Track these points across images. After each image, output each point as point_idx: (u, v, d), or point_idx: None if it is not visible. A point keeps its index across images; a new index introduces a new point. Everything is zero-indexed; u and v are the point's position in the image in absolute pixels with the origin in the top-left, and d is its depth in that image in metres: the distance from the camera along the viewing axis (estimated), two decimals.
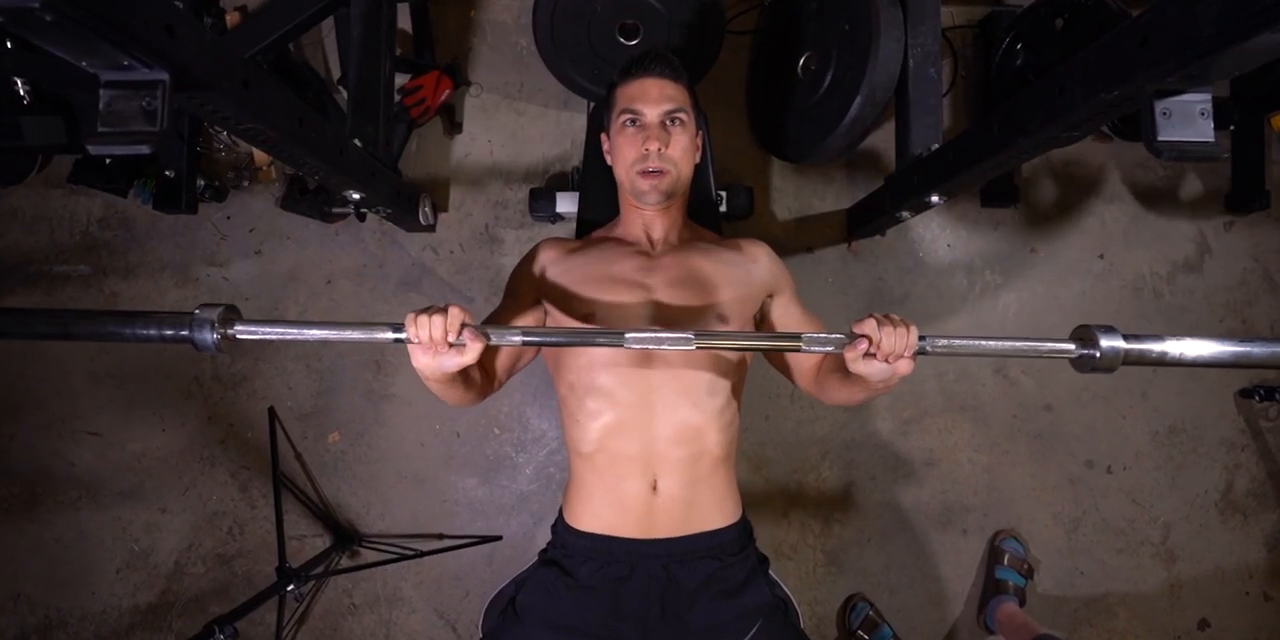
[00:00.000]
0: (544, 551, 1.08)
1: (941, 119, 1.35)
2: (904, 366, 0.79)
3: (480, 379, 0.98)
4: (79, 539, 1.68)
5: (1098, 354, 0.77)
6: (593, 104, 1.57)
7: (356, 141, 1.30)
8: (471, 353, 0.79)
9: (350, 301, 1.71)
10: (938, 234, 1.77)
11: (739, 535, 1.03)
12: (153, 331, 0.75)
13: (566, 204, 1.61)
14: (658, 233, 1.13)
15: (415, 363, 0.81)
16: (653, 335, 0.80)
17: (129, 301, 1.70)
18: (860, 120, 1.33)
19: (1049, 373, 1.73)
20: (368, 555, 1.66)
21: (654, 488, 0.98)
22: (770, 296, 1.11)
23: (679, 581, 0.98)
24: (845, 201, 1.76)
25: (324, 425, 1.70)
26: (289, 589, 1.42)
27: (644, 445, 0.98)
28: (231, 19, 1.63)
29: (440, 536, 1.68)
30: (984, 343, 0.78)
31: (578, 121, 1.74)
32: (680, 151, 1.07)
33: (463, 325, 0.78)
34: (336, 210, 1.68)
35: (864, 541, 1.70)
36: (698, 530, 1.00)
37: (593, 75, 1.56)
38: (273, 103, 0.90)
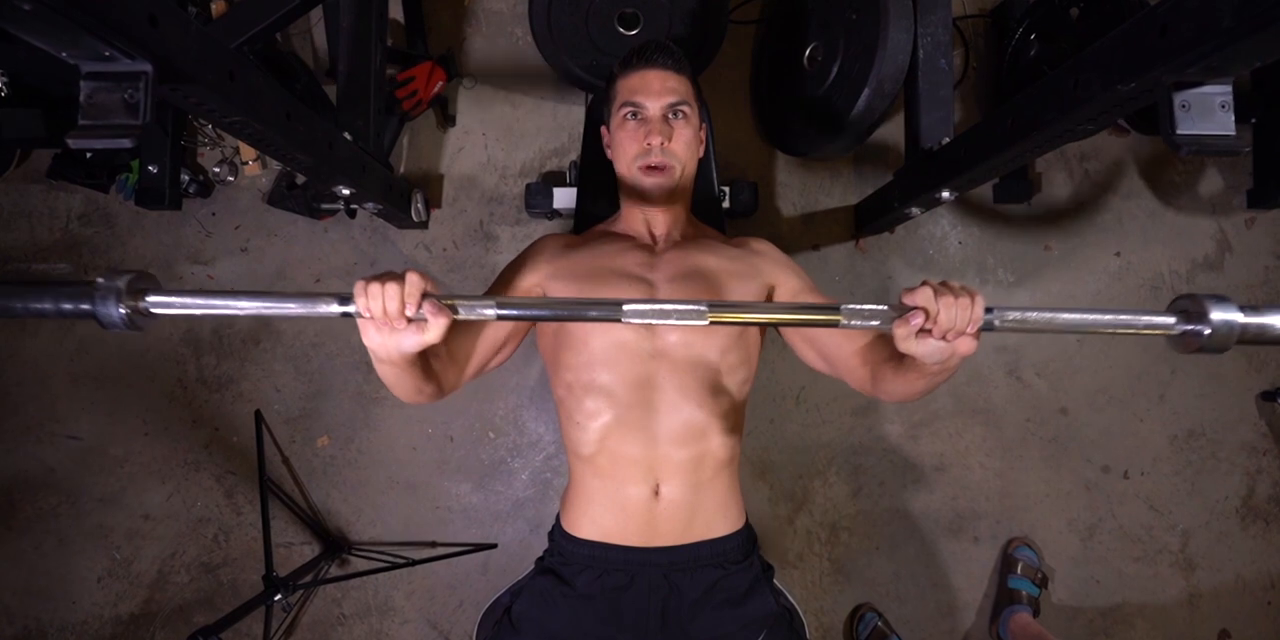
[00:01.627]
0: (541, 560, 1.08)
1: (952, 112, 1.35)
2: (965, 345, 0.70)
3: (444, 369, 0.90)
4: (58, 547, 1.68)
5: (1207, 330, 0.66)
6: (591, 96, 1.57)
7: (346, 135, 1.30)
8: (435, 329, 0.70)
9: None
10: (948, 231, 1.77)
11: (743, 543, 1.04)
12: (48, 305, 0.67)
13: (564, 200, 1.62)
14: (660, 229, 1.13)
15: (367, 341, 0.72)
16: (656, 307, 0.71)
17: None
18: (868, 113, 1.33)
19: (1064, 375, 1.73)
20: (358, 563, 1.66)
21: (656, 492, 0.98)
22: (774, 287, 1.06)
23: (680, 591, 0.98)
24: (853, 197, 1.76)
25: (313, 429, 1.70)
26: (276, 598, 1.42)
27: (646, 446, 0.98)
28: (217, 8, 1.63)
29: (433, 544, 1.68)
30: (1064, 316, 0.68)
31: (575, 114, 1.74)
32: (683, 146, 1.07)
33: (424, 295, 0.69)
34: (325, 206, 1.68)
35: (872, 549, 1.70)
36: (700, 538, 1.00)
37: (591, 66, 1.56)
38: (259, 95, 0.90)
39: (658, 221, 1.13)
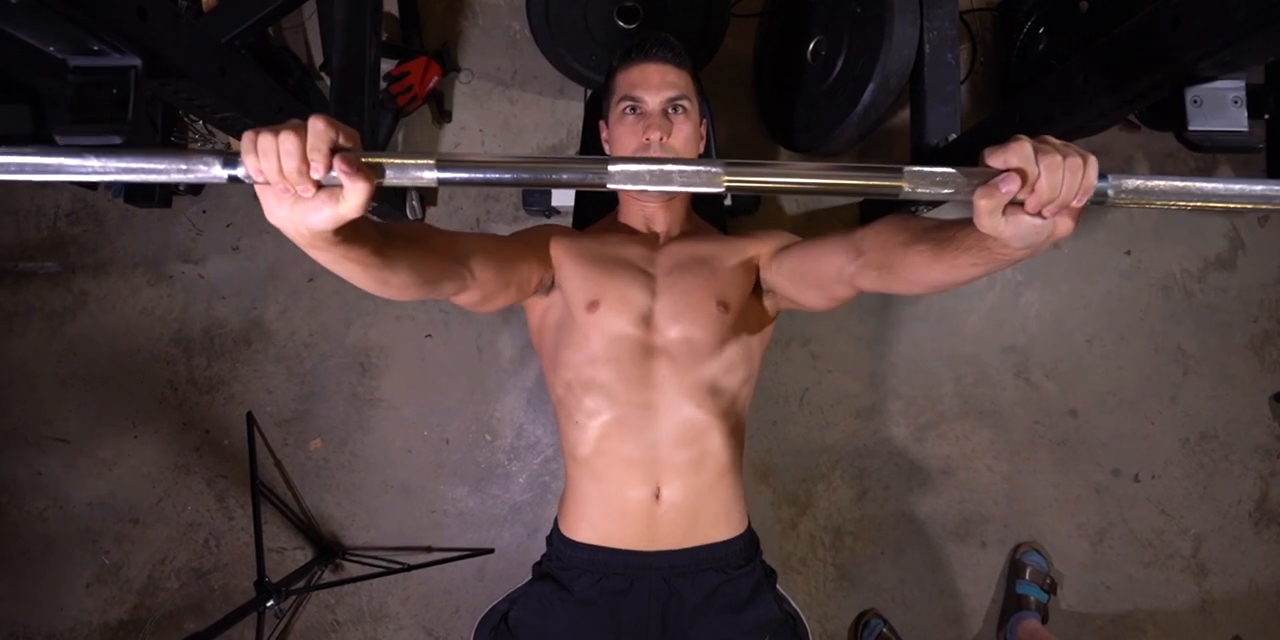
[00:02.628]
0: (539, 564, 1.08)
1: (959, 107, 1.35)
2: (1065, 225, 0.55)
3: (429, 257, 0.75)
4: (46, 552, 1.68)
5: None
6: (590, 91, 1.57)
7: None
8: (353, 197, 0.53)
9: (333, 300, 1.71)
10: None
11: (745, 547, 1.04)
12: None
13: (562, 197, 1.62)
14: (659, 226, 1.14)
15: (270, 217, 0.55)
16: (654, 168, 0.56)
17: (99, 300, 1.70)
18: (873, 109, 1.33)
19: (1073, 376, 1.73)
20: (352, 569, 1.66)
21: (656, 495, 0.98)
22: (758, 255, 1.04)
23: (681, 596, 0.98)
24: None
25: (305, 431, 1.70)
26: (269, 605, 1.42)
27: (645, 447, 0.98)
28: (207, 1, 1.63)
29: (429, 549, 1.68)
30: (1200, 185, 0.56)
31: (574, 110, 1.74)
32: (683, 141, 1.07)
33: (333, 151, 0.52)
34: None
35: (877, 554, 1.70)
36: (701, 542, 1.00)
37: (590, 61, 1.56)
38: (251, 90, 0.90)
39: (657, 219, 1.13)
